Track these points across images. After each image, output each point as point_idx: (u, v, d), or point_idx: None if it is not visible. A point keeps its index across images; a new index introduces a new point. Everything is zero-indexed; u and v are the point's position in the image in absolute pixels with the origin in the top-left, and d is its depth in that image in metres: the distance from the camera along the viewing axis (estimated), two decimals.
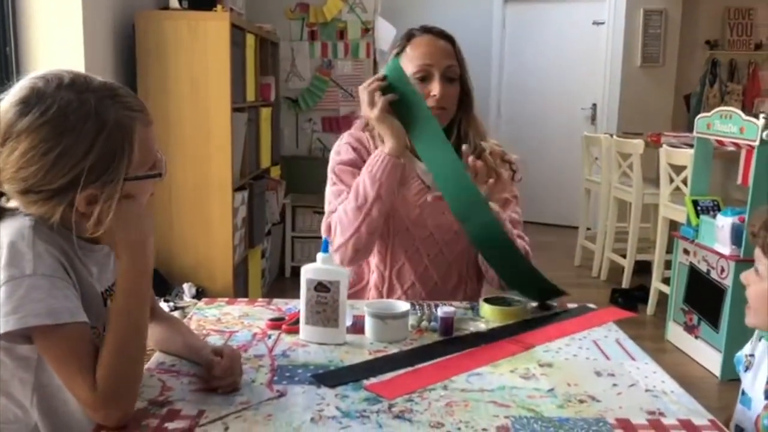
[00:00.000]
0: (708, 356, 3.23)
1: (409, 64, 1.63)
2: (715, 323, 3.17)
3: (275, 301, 1.61)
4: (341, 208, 1.61)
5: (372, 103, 1.55)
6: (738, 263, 2.97)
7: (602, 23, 5.92)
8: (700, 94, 5.80)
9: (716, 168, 3.87)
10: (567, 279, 4.71)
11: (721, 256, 3.08)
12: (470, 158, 1.54)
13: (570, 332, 1.42)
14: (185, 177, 3.12)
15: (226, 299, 1.64)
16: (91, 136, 1.00)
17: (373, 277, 1.73)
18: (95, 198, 1.03)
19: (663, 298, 3.83)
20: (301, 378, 1.18)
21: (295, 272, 3.74)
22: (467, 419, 1.04)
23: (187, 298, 3.06)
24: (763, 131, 2.94)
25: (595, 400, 1.12)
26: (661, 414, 1.07)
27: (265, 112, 4.03)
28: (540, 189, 5.83)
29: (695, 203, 3.35)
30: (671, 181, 3.81)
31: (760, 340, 1.29)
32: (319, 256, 1.33)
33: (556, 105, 6.22)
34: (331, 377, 1.18)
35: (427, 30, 1.69)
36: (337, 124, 4.66)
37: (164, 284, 3.09)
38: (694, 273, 3.34)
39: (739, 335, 1.35)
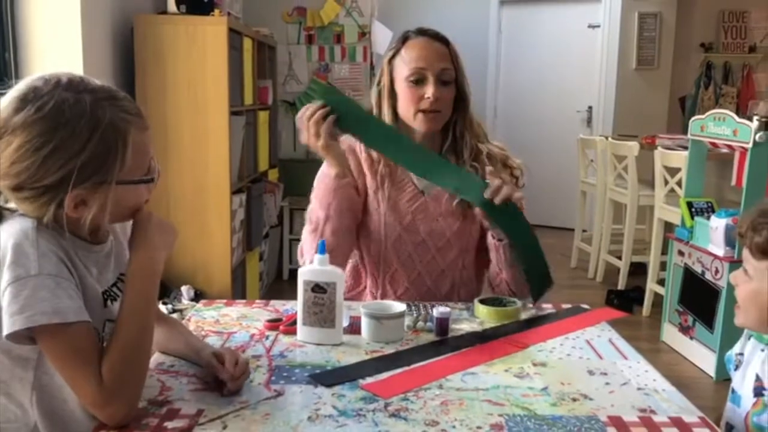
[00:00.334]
0: (703, 357, 3.25)
1: (404, 66, 1.64)
2: (709, 324, 3.19)
3: (273, 302, 1.63)
4: (303, 233, 1.67)
5: (317, 134, 1.51)
6: (732, 264, 2.99)
7: (597, 26, 5.95)
8: (694, 97, 5.84)
9: (711, 170, 3.90)
10: (563, 281, 4.74)
11: (716, 257, 3.11)
12: (489, 173, 1.56)
13: (564, 332, 1.44)
14: (183, 180, 3.14)
15: (225, 301, 1.65)
16: (85, 134, 1.02)
17: (368, 282, 1.74)
18: (83, 200, 1.04)
19: (658, 300, 3.85)
20: (299, 378, 1.20)
21: (293, 275, 3.76)
22: (462, 417, 1.06)
23: (185, 301, 3.08)
24: (756, 133, 2.97)
25: (588, 399, 1.14)
26: (653, 412, 1.09)
27: (263, 116, 4.05)
28: (536, 191, 5.81)
29: (690, 205, 3.38)
30: (666, 182, 3.84)
31: (749, 339, 1.32)
32: (316, 257, 1.35)
33: (552, 107, 6.25)
34: (328, 377, 1.20)
35: (422, 32, 1.69)
36: None
37: (162, 287, 3.10)
38: (688, 274, 3.36)
39: (734, 336, 1.37)
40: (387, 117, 1.68)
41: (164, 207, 3.11)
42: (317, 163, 1.67)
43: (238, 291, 3.43)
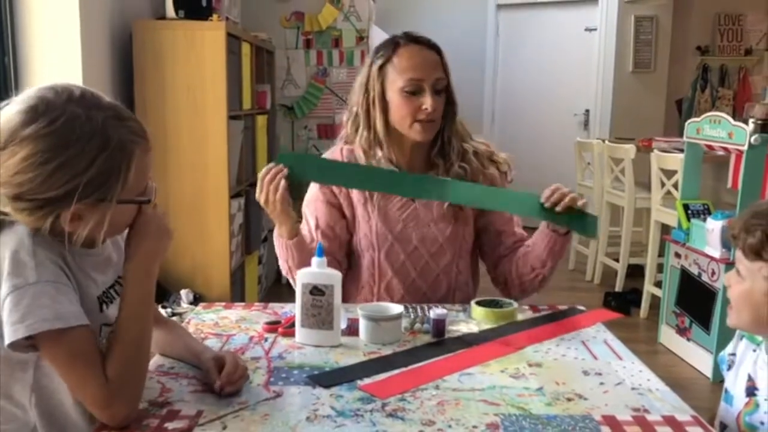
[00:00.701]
0: (700, 358, 3.27)
1: (397, 76, 1.63)
2: (706, 325, 3.21)
3: (271, 305, 1.64)
4: None
5: (273, 201, 1.52)
6: (728, 266, 3.01)
7: (594, 30, 5.98)
8: (691, 100, 5.86)
9: (707, 172, 3.93)
10: (561, 283, 4.76)
11: (712, 259, 3.12)
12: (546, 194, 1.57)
13: (559, 333, 1.46)
14: (182, 184, 3.15)
15: (224, 304, 1.67)
16: (93, 152, 1.02)
17: (364, 291, 1.74)
18: (81, 216, 1.04)
19: (655, 301, 3.87)
20: (297, 379, 1.21)
21: None
22: (458, 417, 1.08)
23: (184, 305, 3.09)
24: (751, 136, 2.99)
25: (583, 398, 1.15)
26: (646, 411, 1.11)
27: (261, 120, 4.07)
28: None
29: (686, 207, 3.39)
30: (662, 185, 3.86)
31: (741, 339, 1.33)
32: (314, 260, 1.37)
33: (549, 111, 6.27)
34: (326, 378, 1.22)
35: (413, 39, 1.68)
36: (332, 131, 4.70)
37: (162, 290, 3.12)
38: (685, 276, 3.38)
39: (731, 337, 1.38)
40: (378, 126, 1.66)
41: (164, 212, 3.12)
42: None
43: (237, 294, 3.45)
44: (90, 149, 1.02)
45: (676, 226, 3.48)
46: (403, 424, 1.06)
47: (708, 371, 3.18)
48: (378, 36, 4.78)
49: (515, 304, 1.58)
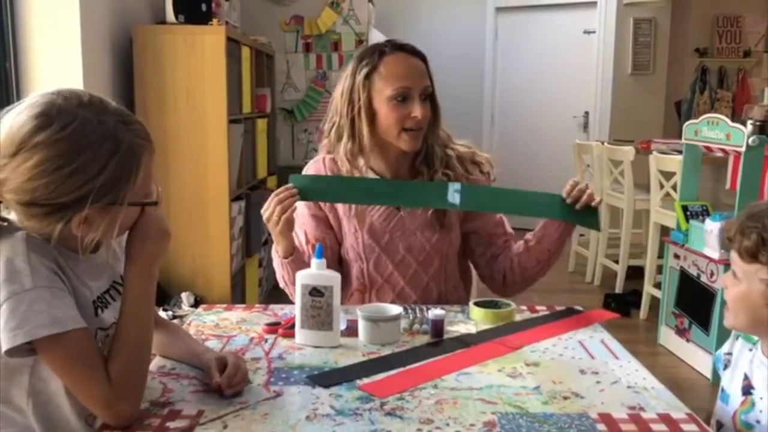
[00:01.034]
0: (699, 359, 3.28)
1: (384, 84, 1.61)
2: (705, 326, 3.22)
3: (271, 306, 1.66)
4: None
5: (277, 220, 1.54)
6: (727, 267, 2.98)
7: (593, 32, 6.00)
8: (690, 101, 5.88)
9: (706, 173, 3.94)
10: (561, 285, 4.77)
11: (711, 260, 3.13)
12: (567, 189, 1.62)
13: (557, 333, 1.47)
14: (183, 188, 3.17)
15: (224, 305, 1.68)
16: (105, 157, 1.03)
17: (353, 299, 1.75)
18: (91, 220, 1.05)
19: (655, 303, 3.88)
20: (297, 379, 1.23)
21: None
22: (456, 415, 1.09)
23: (185, 307, 3.10)
24: (749, 137, 3.00)
25: (579, 397, 1.16)
26: (641, 409, 1.12)
27: (261, 123, 4.08)
28: None
29: (685, 208, 3.41)
30: (661, 186, 3.87)
31: (737, 339, 1.35)
32: (314, 262, 1.38)
33: (548, 113, 6.29)
34: (325, 378, 1.23)
35: (398, 47, 1.66)
36: None
37: (163, 293, 3.13)
38: (684, 277, 3.39)
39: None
40: (363, 136, 1.65)
41: (164, 214, 3.14)
42: None
43: (237, 297, 3.46)
44: (102, 154, 1.03)
45: (675, 228, 3.49)
46: (401, 422, 1.07)
47: (707, 372, 3.19)
48: (377, 39, 4.80)
49: (513, 305, 1.59)
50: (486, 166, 1.77)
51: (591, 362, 1.32)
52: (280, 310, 1.62)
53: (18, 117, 1.03)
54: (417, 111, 1.61)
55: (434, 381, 1.22)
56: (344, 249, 1.75)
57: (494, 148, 6.56)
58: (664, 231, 3.86)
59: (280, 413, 1.09)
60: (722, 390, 1.33)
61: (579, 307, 1.66)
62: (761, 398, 1.23)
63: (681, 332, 3.45)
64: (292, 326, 1.42)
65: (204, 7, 3.28)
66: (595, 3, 5.92)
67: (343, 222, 1.73)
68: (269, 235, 4.36)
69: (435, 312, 1.45)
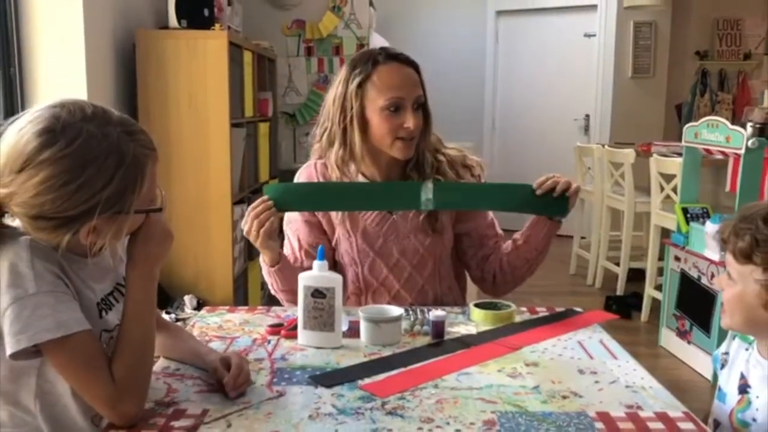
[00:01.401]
0: (700, 360, 3.29)
1: (378, 94, 1.62)
2: (706, 328, 3.23)
3: (274, 308, 1.67)
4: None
5: (256, 234, 1.56)
6: None
7: (593, 35, 6.02)
8: (690, 104, 5.90)
9: (706, 175, 3.95)
10: (562, 287, 4.79)
11: (711, 262, 3.15)
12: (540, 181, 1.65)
13: (556, 334, 1.49)
14: (185, 191, 3.19)
15: (227, 307, 1.70)
16: (111, 170, 1.04)
17: (349, 303, 1.76)
18: (98, 229, 1.07)
19: (656, 305, 3.89)
20: (300, 379, 1.24)
21: None
22: (456, 414, 1.11)
23: (188, 310, 3.12)
24: (748, 140, 3.02)
25: (578, 396, 1.18)
26: (639, 408, 1.14)
27: (263, 127, 4.10)
28: None
29: (685, 211, 3.42)
30: (662, 189, 3.89)
31: (734, 338, 1.36)
32: (316, 263, 1.40)
33: (549, 116, 6.31)
34: (327, 378, 1.25)
35: (392, 56, 1.66)
36: None
37: (165, 296, 3.15)
38: (685, 279, 3.40)
39: None
40: (355, 143, 1.66)
41: (167, 217, 3.16)
42: None
43: (240, 300, 3.48)
44: (107, 167, 1.04)
45: (676, 230, 3.50)
46: (402, 421, 1.09)
47: (708, 373, 3.20)
48: (379, 43, 4.83)
49: (513, 306, 1.61)
50: (477, 169, 1.79)
51: (590, 362, 1.34)
52: (282, 312, 1.64)
53: (22, 131, 1.04)
54: (410, 122, 1.62)
55: (435, 381, 1.24)
56: (339, 254, 1.77)
57: (495, 151, 6.59)
58: (665, 233, 3.88)
59: (283, 413, 1.11)
60: (719, 389, 1.35)
61: (578, 309, 1.67)
62: (757, 397, 1.24)
63: (682, 334, 3.46)
64: (295, 327, 1.44)
65: (206, 12, 3.30)
66: (596, 6, 5.95)
67: (336, 227, 1.75)
68: None
69: (436, 313, 1.47)
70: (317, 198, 1.67)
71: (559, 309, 1.67)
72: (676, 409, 1.13)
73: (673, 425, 1.08)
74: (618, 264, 4.50)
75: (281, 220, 1.77)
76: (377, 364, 1.32)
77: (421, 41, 6.20)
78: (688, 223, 3.37)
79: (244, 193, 3.63)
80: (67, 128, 1.04)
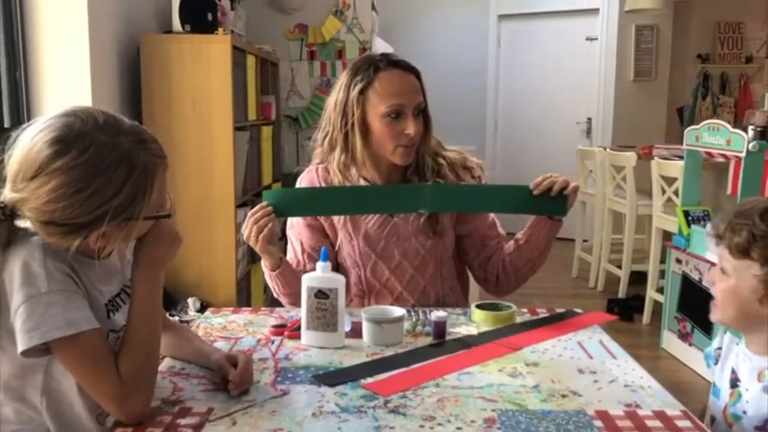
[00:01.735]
0: (701, 362, 3.26)
1: (379, 101, 1.64)
2: (707, 330, 3.24)
3: (278, 309, 1.69)
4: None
5: (256, 239, 1.58)
6: None
7: (595, 39, 6.04)
8: (692, 107, 5.91)
9: (707, 178, 3.96)
10: (564, 290, 4.80)
11: (712, 264, 3.12)
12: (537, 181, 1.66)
13: (556, 335, 1.51)
14: (189, 194, 3.21)
15: (232, 308, 1.72)
16: (121, 179, 1.07)
17: (352, 305, 1.78)
18: (108, 235, 1.09)
19: (658, 307, 3.90)
20: (303, 378, 1.26)
21: None
22: (457, 413, 1.12)
23: (191, 312, 3.14)
24: (749, 143, 3.03)
25: (577, 395, 1.20)
26: (638, 406, 1.15)
27: (267, 131, 4.13)
28: None
29: (686, 213, 3.43)
30: (663, 192, 3.90)
31: (725, 333, 1.38)
32: (319, 265, 1.42)
33: (551, 119, 6.33)
34: (330, 377, 1.26)
35: (393, 63, 1.68)
36: None
37: (169, 299, 3.17)
38: (686, 282, 3.41)
39: None
40: (356, 149, 1.68)
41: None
42: None
43: (242, 303, 3.50)
44: (118, 176, 1.07)
45: (677, 233, 3.51)
46: (404, 419, 1.10)
47: (709, 375, 3.20)
48: (381, 47, 4.85)
49: (514, 307, 1.62)
50: (477, 171, 1.80)
51: (589, 362, 1.35)
52: (286, 313, 1.66)
53: (35, 139, 1.06)
54: (410, 128, 1.64)
55: (436, 380, 1.26)
56: (341, 257, 1.79)
57: (497, 154, 6.61)
58: (666, 236, 3.89)
59: (287, 411, 1.13)
60: (714, 385, 1.37)
61: (579, 310, 1.69)
62: (747, 390, 1.26)
63: (683, 336, 3.47)
64: (298, 328, 1.46)
65: (210, 16, 3.33)
66: (597, 10, 5.97)
67: (338, 230, 1.77)
68: None
69: (437, 314, 1.49)
70: (316, 203, 1.69)
71: (559, 310, 1.69)
72: (674, 407, 1.15)
73: (671, 424, 1.09)
74: (620, 267, 4.52)
75: (283, 224, 1.80)
76: (379, 363, 1.34)
77: (424, 45, 6.23)
78: (689, 225, 3.39)
79: (248, 196, 3.65)
80: (79, 138, 1.06)
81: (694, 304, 3.36)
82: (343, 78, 1.71)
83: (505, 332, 1.52)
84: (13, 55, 2.72)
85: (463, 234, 1.81)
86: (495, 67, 6.56)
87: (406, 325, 1.50)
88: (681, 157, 3.76)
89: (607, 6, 5.90)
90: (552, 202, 1.65)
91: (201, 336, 1.47)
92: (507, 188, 1.70)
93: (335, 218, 1.76)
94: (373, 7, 4.84)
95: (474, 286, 1.94)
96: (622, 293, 4.46)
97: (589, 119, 6.16)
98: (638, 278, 4.47)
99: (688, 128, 3.55)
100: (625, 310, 4.15)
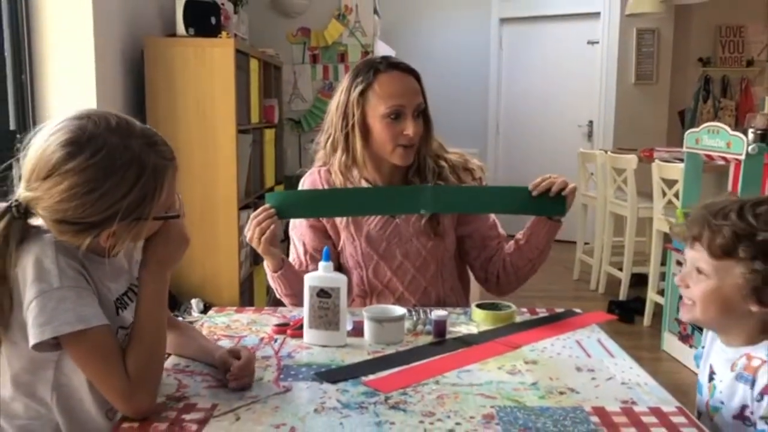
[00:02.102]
0: None
1: (379, 102, 1.67)
2: None
3: (280, 309, 1.72)
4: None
5: (258, 241, 1.61)
6: None
7: (596, 42, 6.06)
8: (693, 110, 5.92)
9: (709, 181, 3.98)
10: (566, 292, 4.82)
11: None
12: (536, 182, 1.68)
13: (555, 334, 1.53)
14: (192, 196, 3.23)
15: (235, 308, 1.75)
16: (132, 180, 1.10)
17: (354, 305, 1.81)
18: (118, 234, 1.13)
19: (658, 310, 3.92)
20: (305, 376, 1.28)
21: None
22: (456, 409, 1.15)
23: (195, 313, 3.16)
24: (749, 146, 3.05)
25: (574, 392, 1.22)
26: (634, 403, 1.18)
27: (269, 134, 4.15)
28: None
29: (687, 216, 3.43)
30: (664, 194, 3.92)
31: (708, 331, 1.39)
32: (321, 264, 1.44)
33: (553, 122, 6.35)
34: (332, 375, 1.29)
35: (393, 65, 1.70)
36: None
37: (173, 300, 3.19)
38: None
39: None
40: (357, 150, 1.71)
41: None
42: None
43: (245, 304, 3.51)
44: (128, 177, 1.10)
45: None
46: (404, 415, 1.12)
47: None
48: (383, 51, 4.88)
49: (514, 307, 1.64)
50: (477, 172, 1.83)
51: (587, 360, 1.38)
52: (288, 312, 1.68)
53: (50, 141, 1.10)
54: (410, 129, 1.67)
55: (436, 377, 1.28)
56: (344, 257, 1.81)
57: (499, 157, 6.63)
58: (667, 238, 3.90)
59: (290, 407, 1.15)
60: (698, 381, 1.38)
61: (578, 309, 1.71)
62: (720, 381, 1.27)
63: (684, 338, 3.49)
64: (301, 327, 1.48)
65: (213, 20, 3.35)
66: (599, 13, 5.99)
67: (341, 232, 1.79)
68: None
69: (438, 313, 1.51)
70: (318, 204, 1.71)
71: (558, 310, 1.71)
72: (669, 404, 1.17)
73: (666, 419, 1.11)
74: (621, 269, 4.53)
75: (285, 226, 1.82)
76: (380, 361, 1.36)
77: (426, 49, 6.25)
78: None
79: (250, 198, 3.68)
80: (91, 140, 1.09)
81: None
82: (344, 81, 1.74)
83: (504, 331, 1.54)
84: (19, 59, 2.75)
85: (464, 235, 1.83)
86: (497, 71, 6.59)
87: (407, 324, 1.52)
88: (681, 160, 3.78)
89: (608, 10, 5.92)
90: (551, 203, 1.67)
91: (205, 335, 1.49)
92: (507, 189, 1.72)
93: (337, 219, 1.78)
94: (375, 11, 4.87)
95: (475, 287, 1.96)
96: (623, 295, 4.48)
97: (591, 122, 6.19)
98: (639, 280, 4.49)
99: (688, 131, 3.57)
100: (626, 312, 4.17)
